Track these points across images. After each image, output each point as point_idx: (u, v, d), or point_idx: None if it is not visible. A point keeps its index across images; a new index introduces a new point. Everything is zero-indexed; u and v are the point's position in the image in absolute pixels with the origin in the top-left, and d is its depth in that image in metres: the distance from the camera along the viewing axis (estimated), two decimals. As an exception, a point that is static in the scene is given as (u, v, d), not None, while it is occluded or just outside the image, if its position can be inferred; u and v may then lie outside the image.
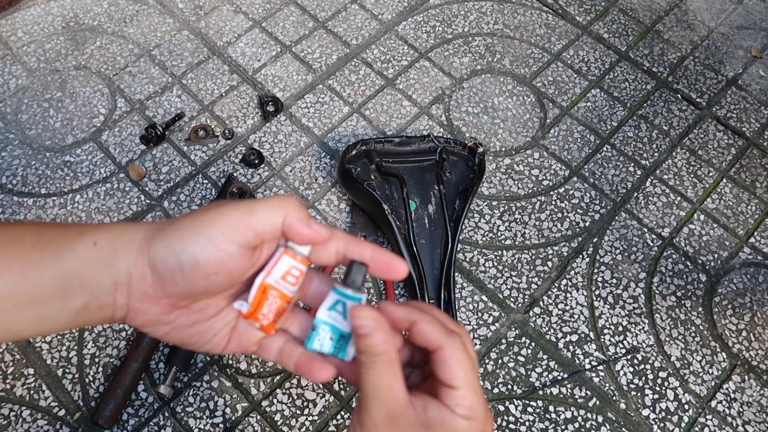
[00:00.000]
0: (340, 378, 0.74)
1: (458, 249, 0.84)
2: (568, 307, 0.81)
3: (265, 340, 0.35)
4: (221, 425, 0.72)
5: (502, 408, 0.74)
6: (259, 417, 0.72)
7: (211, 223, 0.30)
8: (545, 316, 0.80)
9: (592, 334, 0.79)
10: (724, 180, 0.92)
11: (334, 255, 0.34)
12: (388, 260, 0.34)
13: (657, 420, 0.74)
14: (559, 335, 0.79)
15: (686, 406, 0.75)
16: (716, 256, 0.86)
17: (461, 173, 0.85)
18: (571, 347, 0.78)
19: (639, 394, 0.76)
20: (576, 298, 0.82)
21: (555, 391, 0.75)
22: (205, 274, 0.30)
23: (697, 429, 0.74)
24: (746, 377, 0.78)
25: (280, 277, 0.33)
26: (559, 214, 0.88)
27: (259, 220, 0.30)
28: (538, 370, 0.77)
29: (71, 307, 0.30)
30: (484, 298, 0.81)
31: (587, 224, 0.87)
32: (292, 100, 0.96)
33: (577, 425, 0.74)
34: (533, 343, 0.78)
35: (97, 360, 0.75)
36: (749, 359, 0.79)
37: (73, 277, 0.30)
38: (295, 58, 1.01)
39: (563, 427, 0.73)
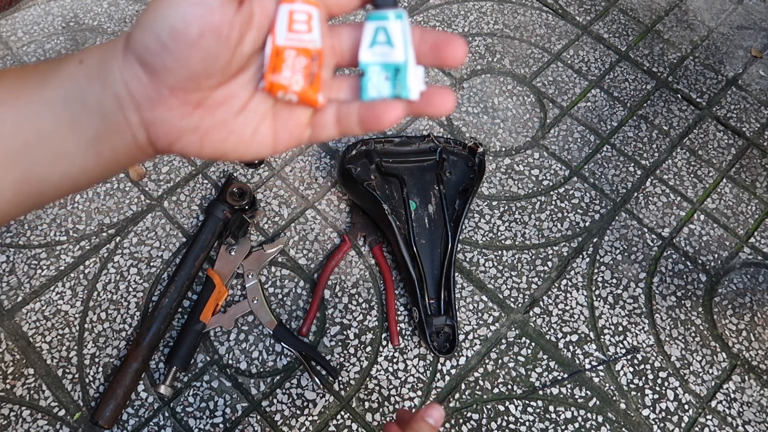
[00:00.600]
0: (340, 378, 0.74)
1: (458, 249, 0.84)
2: (568, 307, 0.81)
3: (318, 116, 0.29)
4: (221, 425, 0.72)
5: (502, 408, 0.74)
6: (259, 417, 0.72)
7: None
8: (545, 316, 0.80)
9: (592, 334, 0.79)
10: (724, 180, 0.92)
11: None
12: (440, 33, 0.28)
13: (657, 420, 0.74)
14: (559, 335, 0.79)
15: (686, 406, 0.75)
16: (716, 256, 0.86)
17: (461, 173, 0.85)
18: (571, 347, 0.78)
19: (639, 394, 0.76)
20: (576, 298, 0.82)
21: (555, 391, 0.75)
22: (190, 40, 0.25)
23: (697, 429, 0.74)
24: (746, 377, 0.78)
25: (286, 31, 0.27)
26: (559, 214, 0.88)
27: None
28: (538, 370, 0.77)
29: (85, 136, 0.27)
30: (484, 298, 0.81)
31: (587, 224, 0.87)
32: (292, 100, 0.96)
33: (577, 425, 0.74)
34: (533, 343, 0.78)
35: (97, 360, 0.75)
36: (749, 359, 0.79)
37: (72, 99, 0.27)
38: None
39: (563, 427, 0.73)
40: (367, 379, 0.75)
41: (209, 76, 0.26)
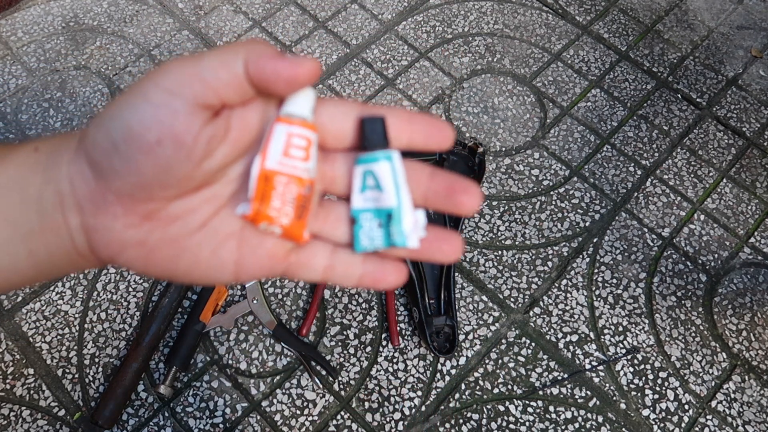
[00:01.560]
0: (340, 378, 0.74)
1: (458, 249, 0.84)
2: (568, 307, 0.81)
3: (302, 254, 0.26)
4: (221, 425, 0.72)
5: (502, 408, 0.74)
6: (259, 417, 0.72)
7: (146, 80, 0.22)
8: (545, 316, 0.80)
9: (592, 334, 0.79)
10: (725, 180, 0.92)
11: (353, 126, 0.25)
12: (426, 119, 0.25)
13: (657, 420, 0.74)
14: (559, 335, 0.79)
15: (686, 406, 0.75)
16: (716, 256, 0.86)
17: (461, 173, 0.85)
18: (571, 347, 0.78)
19: (639, 394, 0.76)
20: (576, 298, 0.81)
21: (555, 391, 0.75)
22: (144, 145, 0.22)
23: (697, 429, 0.74)
24: (746, 377, 0.77)
25: (281, 155, 0.24)
26: (559, 214, 0.88)
27: (209, 66, 0.22)
28: (538, 370, 0.77)
29: (18, 230, 0.24)
30: (484, 298, 0.81)
31: (587, 224, 0.87)
32: (292, 100, 0.96)
33: (577, 425, 0.74)
34: (533, 343, 0.78)
35: (96, 360, 0.75)
36: (749, 359, 0.79)
37: (11, 188, 0.24)
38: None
39: (563, 427, 0.73)
40: (367, 379, 0.75)
41: (163, 187, 0.23)
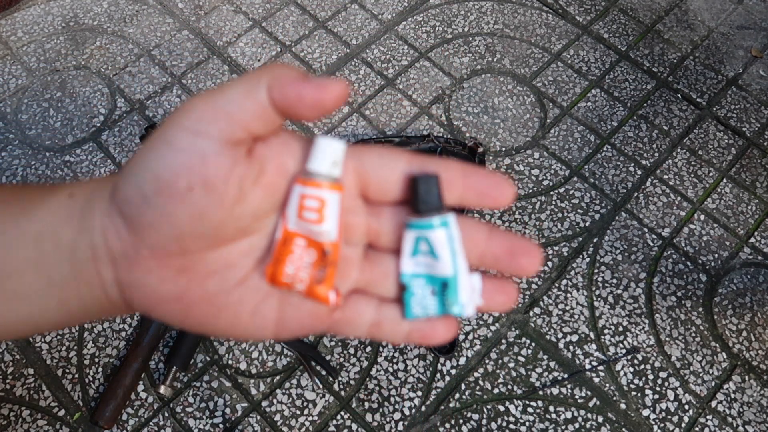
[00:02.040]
0: (340, 378, 0.74)
1: (458, 249, 0.84)
2: (568, 307, 0.81)
3: (346, 312, 0.25)
4: (221, 425, 0.72)
5: (502, 408, 0.74)
6: (259, 417, 0.72)
7: (170, 123, 0.21)
8: (545, 316, 0.80)
9: (592, 334, 0.79)
10: (725, 180, 0.92)
11: (400, 179, 0.23)
12: (483, 175, 0.23)
13: (657, 420, 0.74)
14: (559, 335, 0.79)
15: (686, 407, 0.75)
16: (716, 256, 0.86)
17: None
18: (571, 347, 0.78)
19: (639, 394, 0.76)
20: (576, 298, 0.81)
21: (555, 391, 0.75)
22: (176, 194, 0.21)
23: (697, 429, 0.74)
24: (746, 377, 0.77)
25: (296, 217, 0.23)
26: (559, 214, 0.88)
27: (232, 99, 0.21)
28: (538, 370, 0.77)
29: (49, 280, 0.23)
30: (484, 298, 0.81)
31: (587, 224, 0.87)
32: (292, 100, 0.96)
33: (577, 425, 0.74)
34: (533, 343, 0.78)
35: (96, 360, 0.75)
36: (749, 359, 0.79)
37: (45, 236, 0.23)
38: (295, 57, 1.01)
39: (563, 427, 0.73)
40: (367, 379, 0.75)
41: (198, 237, 0.22)
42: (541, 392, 0.75)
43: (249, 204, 0.23)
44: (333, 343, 0.77)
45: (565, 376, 0.76)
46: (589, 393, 0.75)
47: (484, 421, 0.73)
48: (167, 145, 0.21)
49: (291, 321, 0.24)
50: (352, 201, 0.24)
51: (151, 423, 0.72)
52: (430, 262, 0.24)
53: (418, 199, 0.23)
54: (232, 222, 0.23)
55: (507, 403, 0.74)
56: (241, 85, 0.21)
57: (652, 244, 0.86)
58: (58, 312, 0.24)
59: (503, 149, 0.93)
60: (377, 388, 0.75)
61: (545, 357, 0.77)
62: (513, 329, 0.79)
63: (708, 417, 0.75)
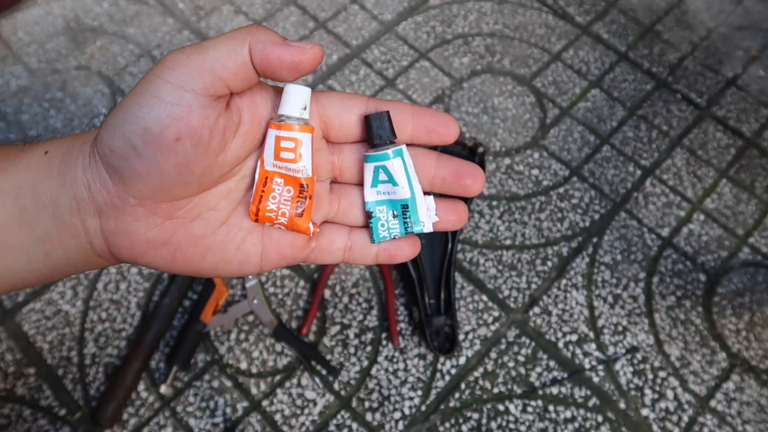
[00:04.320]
0: (340, 378, 0.75)
1: (458, 249, 0.84)
2: (567, 307, 0.81)
3: (322, 241, 0.27)
4: (221, 425, 0.72)
5: (502, 408, 0.74)
6: (259, 417, 0.73)
7: (153, 77, 0.22)
8: (545, 315, 0.80)
9: (591, 334, 0.79)
10: (724, 180, 0.93)
11: (358, 121, 0.26)
12: (431, 114, 0.26)
13: (656, 420, 0.74)
14: (559, 335, 0.79)
15: (685, 406, 0.76)
16: (716, 256, 0.86)
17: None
18: (570, 347, 0.78)
19: (638, 393, 0.76)
20: (576, 298, 0.82)
21: (555, 390, 0.76)
22: (164, 143, 0.22)
23: (696, 429, 0.74)
24: (746, 377, 0.78)
25: (273, 158, 0.25)
26: (559, 214, 0.88)
27: (214, 56, 0.22)
28: (538, 369, 0.77)
29: (34, 234, 0.24)
30: (484, 298, 0.81)
31: (587, 224, 0.87)
32: (292, 100, 0.96)
33: (576, 425, 0.74)
34: (533, 343, 0.78)
35: (97, 360, 0.75)
36: (749, 359, 0.79)
37: (25, 192, 0.24)
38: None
39: (563, 426, 0.74)
40: (367, 378, 0.75)
41: (184, 184, 0.24)
42: (540, 392, 0.75)
43: (230, 152, 0.24)
44: (333, 343, 0.77)
45: (565, 375, 0.76)
46: (588, 392, 0.76)
47: (483, 421, 0.73)
48: (155, 98, 0.22)
49: (273, 253, 0.26)
50: (317, 142, 0.26)
51: (151, 422, 0.72)
52: (389, 189, 0.26)
53: (372, 134, 0.25)
54: (215, 169, 0.24)
55: (507, 403, 0.75)
56: (224, 45, 0.23)
57: (651, 243, 0.86)
58: (44, 264, 0.25)
59: (503, 149, 0.93)
60: (377, 387, 0.75)
61: (545, 357, 0.78)
62: (513, 329, 0.79)
63: (707, 416, 0.75)
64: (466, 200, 0.82)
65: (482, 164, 0.85)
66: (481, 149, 0.85)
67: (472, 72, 1.01)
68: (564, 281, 0.83)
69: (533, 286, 0.82)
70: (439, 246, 0.80)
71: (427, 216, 0.27)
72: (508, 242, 0.85)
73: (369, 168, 0.26)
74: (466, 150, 0.87)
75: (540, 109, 0.98)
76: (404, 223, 0.27)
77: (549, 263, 0.84)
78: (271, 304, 0.79)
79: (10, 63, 0.98)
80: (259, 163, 0.26)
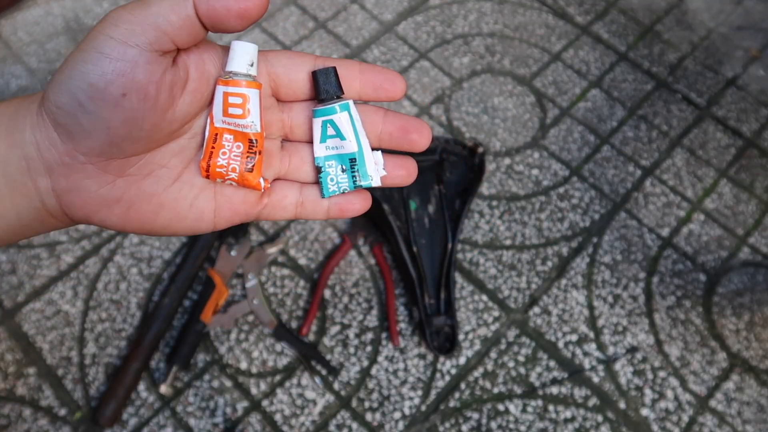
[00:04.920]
0: (340, 378, 0.75)
1: (458, 249, 0.84)
2: (567, 307, 0.81)
3: (274, 197, 0.28)
4: (221, 425, 0.72)
5: (502, 408, 0.74)
6: (259, 416, 0.73)
7: (97, 33, 0.22)
8: (545, 315, 0.80)
9: (591, 334, 0.79)
10: (724, 180, 0.93)
11: (307, 78, 0.26)
12: (378, 70, 0.26)
13: (656, 420, 0.74)
14: (559, 335, 0.79)
15: (686, 406, 0.76)
16: (715, 255, 0.86)
17: (461, 173, 0.85)
18: (570, 347, 0.78)
19: (638, 393, 0.76)
20: (576, 298, 0.82)
21: (555, 390, 0.76)
22: (111, 99, 0.22)
23: (696, 429, 0.74)
24: (746, 377, 0.78)
25: (222, 115, 0.25)
26: (559, 214, 0.88)
27: (158, 12, 0.22)
28: (538, 369, 0.77)
29: None
30: (484, 298, 0.81)
31: (587, 224, 0.87)
32: (292, 100, 0.96)
33: (576, 425, 0.74)
34: (533, 343, 0.78)
35: (97, 360, 0.75)
36: (748, 359, 0.79)
37: None
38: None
39: (563, 426, 0.74)
40: (367, 378, 0.75)
41: (133, 140, 0.24)
42: (540, 392, 0.75)
43: (179, 108, 0.24)
44: (333, 343, 0.77)
45: (565, 375, 0.76)
46: (588, 392, 0.76)
47: (483, 421, 0.73)
48: (99, 54, 0.22)
49: (226, 210, 0.27)
50: (267, 100, 0.27)
51: (151, 422, 0.72)
52: (337, 144, 0.27)
53: (320, 89, 0.26)
54: (164, 126, 0.24)
55: (507, 403, 0.75)
56: None
57: (651, 243, 0.86)
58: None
59: (503, 149, 0.93)
60: (377, 387, 0.75)
61: (545, 356, 0.78)
62: (513, 329, 0.79)
63: (707, 416, 0.75)
64: (467, 194, 0.82)
65: (482, 164, 0.85)
66: (481, 149, 0.85)
67: (472, 72, 1.01)
68: (564, 281, 0.83)
69: (533, 286, 0.82)
70: (439, 246, 0.80)
71: (375, 170, 0.27)
72: (508, 242, 0.85)
73: (317, 123, 0.27)
74: (466, 150, 0.87)
75: (540, 109, 0.98)
76: (353, 177, 0.27)
77: (549, 263, 0.84)
78: (271, 304, 0.79)
79: (10, 63, 0.98)
80: (208, 120, 0.26)
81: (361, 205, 0.28)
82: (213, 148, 0.26)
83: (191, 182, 0.26)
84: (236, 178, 0.26)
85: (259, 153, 0.26)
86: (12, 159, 0.24)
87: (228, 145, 0.26)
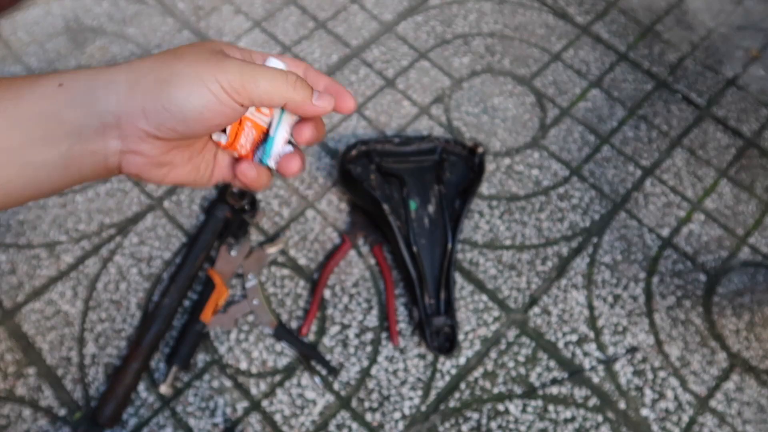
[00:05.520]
0: (340, 378, 0.75)
1: (458, 249, 0.84)
2: (567, 307, 0.81)
3: (243, 165, 0.36)
4: (221, 425, 0.72)
5: (502, 408, 0.74)
6: (259, 416, 0.73)
7: (213, 76, 0.30)
8: (545, 315, 0.80)
9: (591, 334, 0.79)
10: (724, 180, 0.93)
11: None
12: (337, 90, 0.36)
13: (656, 420, 0.74)
14: (559, 335, 0.79)
15: (686, 406, 0.76)
16: (715, 256, 0.86)
17: (461, 173, 0.85)
18: (570, 347, 0.78)
19: (638, 393, 0.76)
20: (576, 298, 0.82)
21: (555, 390, 0.76)
22: (207, 124, 0.31)
23: (696, 429, 0.74)
24: (746, 377, 0.78)
25: (254, 109, 0.35)
26: (559, 214, 0.88)
27: (260, 94, 0.31)
28: (538, 369, 0.77)
29: (57, 151, 0.29)
30: (484, 298, 0.81)
31: (587, 224, 0.87)
32: (292, 100, 0.96)
33: (576, 425, 0.74)
34: (533, 343, 0.78)
35: (97, 360, 0.75)
36: (748, 359, 0.79)
37: (48, 117, 0.29)
38: (296, 58, 1.01)
39: (563, 426, 0.74)
40: (367, 378, 0.75)
41: (199, 136, 0.32)
42: (540, 392, 0.75)
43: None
44: (333, 343, 0.77)
45: (565, 375, 0.76)
46: (588, 392, 0.76)
47: (483, 421, 0.73)
48: (211, 95, 0.30)
49: (217, 173, 0.36)
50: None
51: (151, 422, 0.72)
52: (273, 129, 0.36)
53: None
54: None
55: (507, 403, 0.75)
56: (269, 85, 0.32)
57: (651, 244, 0.86)
58: (60, 177, 0.30)
59: (503, 149, 0.93)
60: (377, 387, 0.75)
61: (545, 357, 0.77)
62: (513, 329, 0.79)
63: (707, 416, 0.75)
64: (467, 194, 0.82)
65: (482, 164, 0.85)
66: (481, 149, 0.85)
67: (472, 72, 1.01)
68: (564, 281, 0.83)
69: (533, 286, 0.82)
70: (439, 246, 0.80)
71: (274, 157, 0.36)
72: (508, 242, 0.85)
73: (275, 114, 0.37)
74: (466, 150, 0.87)
75: (540, 109, 0.98)
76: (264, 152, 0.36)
77: (549, 263, 0.84)
78: (271, 304, 0.79)
79: (10, 63, 0.98)
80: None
81: (296, 167, 0.36)
82: (237, 131, 0.35)
83: (211, 150, 0.36)
84: (243, 154, 0.36)
85: (259, 140, 0.36)
86: (90, 123, 0.29)
87: (247, 131, 0.35)
